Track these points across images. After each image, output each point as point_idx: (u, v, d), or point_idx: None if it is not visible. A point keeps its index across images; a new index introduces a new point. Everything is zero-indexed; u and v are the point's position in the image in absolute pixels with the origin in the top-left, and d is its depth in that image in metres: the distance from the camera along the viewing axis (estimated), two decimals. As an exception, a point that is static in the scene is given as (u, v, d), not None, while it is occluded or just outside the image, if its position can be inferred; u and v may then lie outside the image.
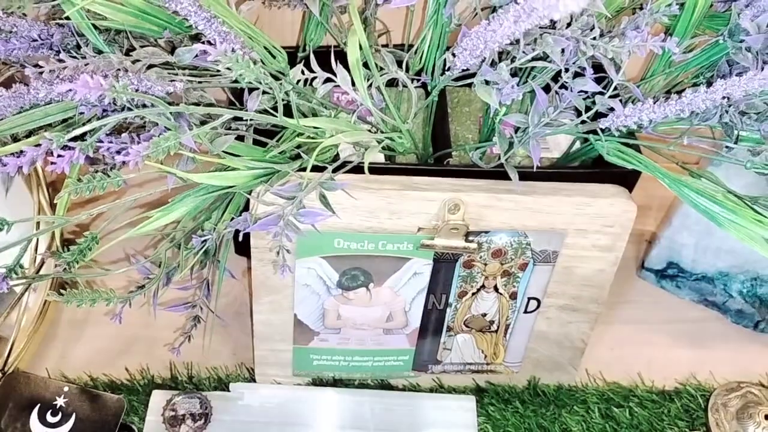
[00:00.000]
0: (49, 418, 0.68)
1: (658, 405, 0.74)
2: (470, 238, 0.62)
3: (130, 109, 0.51)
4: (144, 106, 0.52)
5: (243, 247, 0.72)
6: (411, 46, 0.67)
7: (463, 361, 0.73)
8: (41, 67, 0.55)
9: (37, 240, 0.74)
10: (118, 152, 0.54)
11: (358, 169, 0.58)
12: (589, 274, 0.65)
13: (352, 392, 0.73)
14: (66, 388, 0.69)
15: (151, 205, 0.63)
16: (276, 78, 0.56)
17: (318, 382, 0.74)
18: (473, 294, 0.67)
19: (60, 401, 0.68)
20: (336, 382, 0.74)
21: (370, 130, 0.61)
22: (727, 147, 0.59)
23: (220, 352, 0.76)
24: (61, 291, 0.61)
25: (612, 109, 0.57)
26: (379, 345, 0.71)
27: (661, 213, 0.83)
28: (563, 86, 0.57)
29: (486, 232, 0.62)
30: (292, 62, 0.59)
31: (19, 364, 0.72)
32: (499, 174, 0.61)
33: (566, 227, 0.62)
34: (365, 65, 0.58)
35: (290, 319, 0.68)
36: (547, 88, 0.58)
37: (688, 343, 0.80)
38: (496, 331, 0.71)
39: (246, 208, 0.61)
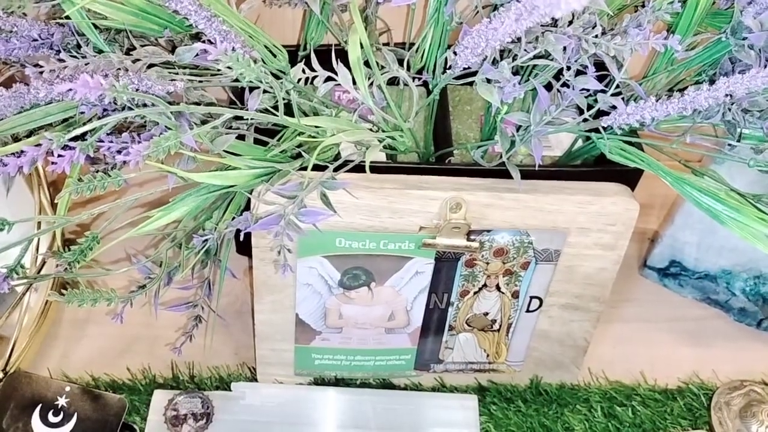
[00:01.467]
0: (51, 418, 0.68)
1: (661, 404, 0.74)
2: (472, 237, 0.62)
3: (130, 109, 0.51)
4: (144, 105, 0.52)
5: (244, 246, 0.72)
6: (412, 44, 0.67)
7: (465, 360, 0.73)
8: (41, 66, 0.55)
9: (38, 240, 0.74)
10: (119, 152, 0.54)
11: (359, 168, 0.58)
12: (591, 273, 0.65)
13: (354, 392, 0.73)
14: (68, 388, 0.69)
15: (151, 205, 0.63)
16: (277, 77, 0.56)
17: (320, 382, 0.74)
18: (475, 293, 0.67)
19: (61, 401, 0.68)
20: (338, 382, 0.74)
21: (371, 129, 0.61)
22: (729, 145, 0.59)
23: (222, 352, 0.76)
24: (63, 291, 0.61)
25: (614, 107, 0.57)
26: (380, 344, 0.71)
27: (664, 211, 0.83)
28: (565, 84, 0.57)
29: (488, 231, 0.62)
30: (293, 61, 0.59)
31: (21, 364, 0.72)
32: (500, 173, 0.61)
33: (568, 226, 0.62)
34: (366, 64, 0.58)
35: (292, 318, 0.68)
36: (548, 87, 0.58)
37: (691, 341, 0.80)
38: (498, 330, 0.71)
39: (247, 207, 0.61)
